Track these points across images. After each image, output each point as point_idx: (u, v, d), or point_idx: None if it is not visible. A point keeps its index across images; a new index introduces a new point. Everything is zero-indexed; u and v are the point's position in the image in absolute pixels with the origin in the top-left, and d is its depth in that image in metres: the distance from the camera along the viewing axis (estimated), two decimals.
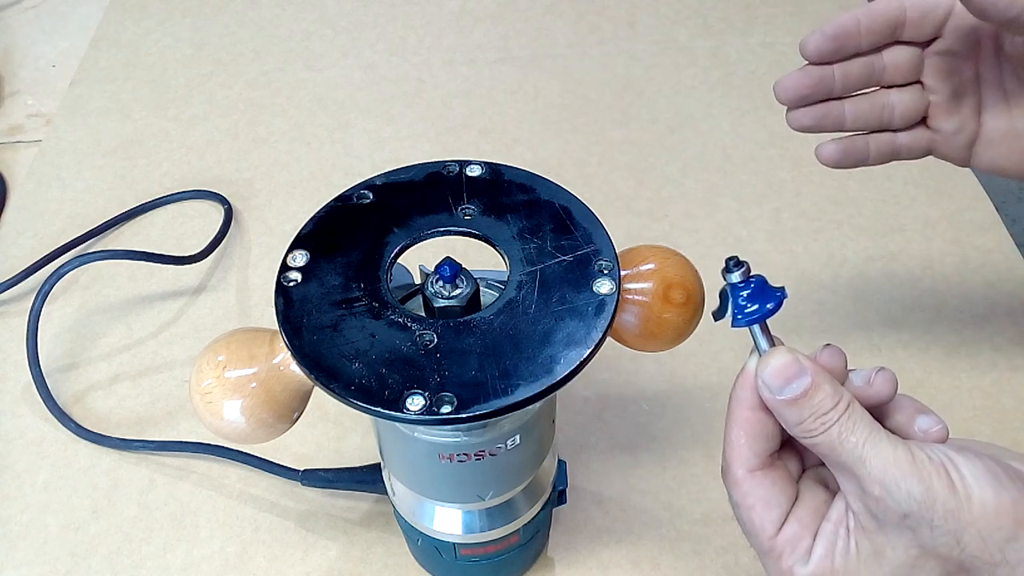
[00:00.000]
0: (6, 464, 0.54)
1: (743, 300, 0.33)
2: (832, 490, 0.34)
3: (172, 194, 0.69)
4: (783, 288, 0.33)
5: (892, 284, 0.62)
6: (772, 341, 0.33)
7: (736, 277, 0.33)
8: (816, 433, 0.32)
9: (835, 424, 0.32)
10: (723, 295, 0.34)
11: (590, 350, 0.33)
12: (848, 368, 0.35)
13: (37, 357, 0.57)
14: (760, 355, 0.33)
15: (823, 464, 0.34)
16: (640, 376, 0.57)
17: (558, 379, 0.32)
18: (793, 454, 0.36)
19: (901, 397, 0.35)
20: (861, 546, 0.32)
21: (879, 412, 0.34)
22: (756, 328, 0.33)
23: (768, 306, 0.33)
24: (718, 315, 0.34)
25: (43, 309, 0.58)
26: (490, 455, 0.37)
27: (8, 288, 0.62)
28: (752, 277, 0.33)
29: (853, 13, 0.44)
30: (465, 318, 0.35)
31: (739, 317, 0.33)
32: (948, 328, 0.59)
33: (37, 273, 0.63)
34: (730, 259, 0.33)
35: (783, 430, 0.34)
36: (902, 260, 0.63)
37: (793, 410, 0.32)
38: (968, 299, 0.61)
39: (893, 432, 0.32)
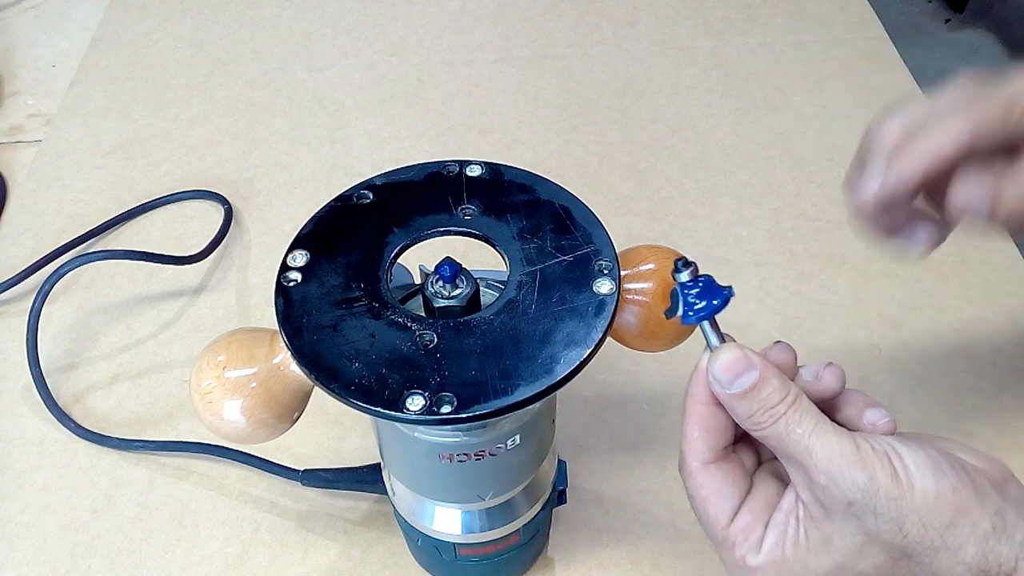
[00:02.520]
0: (6, 464, 0.54)
1: (692, 298, 0.34)
2: (785, 483, 0.35)
3: (172, 194, 0.69)
4: (730, 287, 0.34)
5: (892, 284, 0.62)
6: (722, 337, 0.34)
7: (685, 276, 0.34)
8: (765, 425, 0.33)
9: (783, 417, 0.32)
10: (673, 294, 0.35)
11: (590, 350, 0.33)
12: (799, 364, 0.35)
13: (37, 357, 0.57)
14: (711, 351, 0.34)
15: (777, 458, 0.35)
16: (640, 376, 0.57)
17: (558, 379, 0.32)
18: (749, 448, 0.37)
19: (851, 391, 0.36)
20: (810, 534, 0.33)
21: (830, 406, 0.35)
22: (706, 325, 0.34)
23: (715, 303, 0.34)
24: (669, 313, 0.35)
25: (43, 309, 0.58)
26: (490, 455, 0.37)
27: (8, 288, 0.62)
28: (700, 276, 0.34)
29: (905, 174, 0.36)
30: (465, 318, 0.35)
31: (689, 314, 0.34)
32: (948, 328, 0.59)
33: (37, 273, 0.63)
34: (678, 259, 0.35)
35: (736, 424, 0.34)
36: (902, 260, 0.63)
37: (743, 403, 0.33)
38: (968, 299, 0.61)
39: (843, 425, 0.33)
